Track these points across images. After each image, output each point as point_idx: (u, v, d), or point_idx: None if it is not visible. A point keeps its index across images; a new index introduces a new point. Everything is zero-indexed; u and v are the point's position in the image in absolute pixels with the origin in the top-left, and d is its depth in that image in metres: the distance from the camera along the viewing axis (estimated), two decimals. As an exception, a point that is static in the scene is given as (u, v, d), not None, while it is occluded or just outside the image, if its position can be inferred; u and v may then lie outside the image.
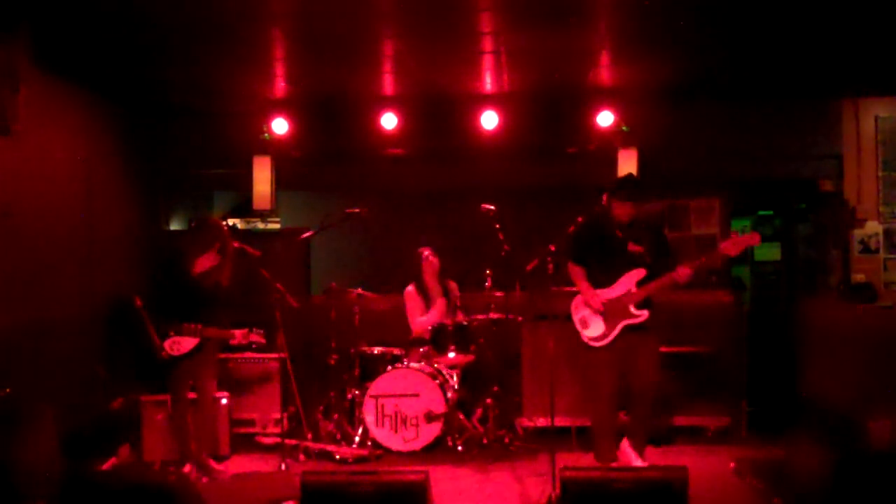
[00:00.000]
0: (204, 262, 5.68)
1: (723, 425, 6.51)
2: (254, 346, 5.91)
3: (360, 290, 6.61)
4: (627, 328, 5.31)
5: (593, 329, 5.40)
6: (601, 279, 5.43)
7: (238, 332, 5.71)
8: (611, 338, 5.34)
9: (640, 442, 5.43)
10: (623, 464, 5.35)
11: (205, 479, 5.61)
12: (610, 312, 5.34)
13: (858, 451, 4.45)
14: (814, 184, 8.11)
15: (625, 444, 5.44)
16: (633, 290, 5.30)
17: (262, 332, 5.86)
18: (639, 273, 5.31)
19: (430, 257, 6.87)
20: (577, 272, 5.54)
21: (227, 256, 5.74)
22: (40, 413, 4.78)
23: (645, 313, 5.28)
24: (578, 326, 5.48)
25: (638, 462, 5.35)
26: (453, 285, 6.96)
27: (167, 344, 5.58)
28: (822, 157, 7.87)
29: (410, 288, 6.95)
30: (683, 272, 5.13)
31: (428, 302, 6.89)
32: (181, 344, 5.59)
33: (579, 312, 5.50)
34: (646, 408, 5.37)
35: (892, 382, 5.51)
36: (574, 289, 5.60)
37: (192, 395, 5.76)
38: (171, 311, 5.59)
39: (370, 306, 6.88)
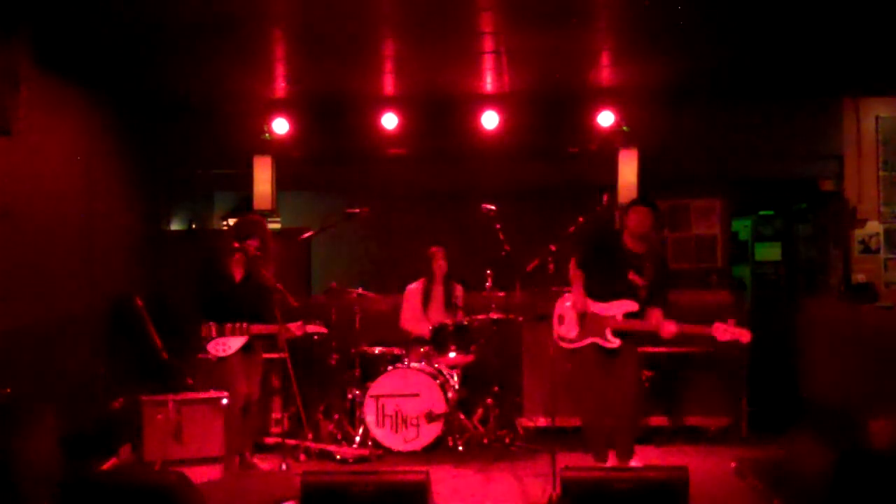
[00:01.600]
0: (247, 253, 5.71)
1: (723, 425, 6.51)
2: (315, 337, 6.00)
3: (360, 290, 6.60)
4: (595, 346, 5.40)
5: (567, 329, 5.54)
6: (596, 292, 5.48)
7: (293, 326, 5.77)
8: (576, 346, 5.49)
9: (624, 450, 5.43)
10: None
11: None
12: (587, 324, 5.43)
13: (858, 450, 4.44)
14: (814, 184, 8.11)
15: (612, 457, 5.47)
16: (618, 318, 5.36)
17: (320, 322, 5.93)
18: (630, 305, 5.36)
19: (441, 261, 6.85)
20: (576, 275, 5.59)
21: (269, 251, 5.80)
22: (41, 413, 4.77)
23: (617, 342, 5.36)
24: (555, 322, 5.61)
25: (635, 463, 5.36)
26: (459, 290, 6.90)
27: (211, 346, 5.62)
28: (822, 157, 7.87)
29: (416, 285, 6.92)
30: (668, 328, 5.24)
31: (427, 304, 6.87)
32: (227, 343, 5.64)
33: (560, 309, 5.61)
34: (626, 413, 5.41)
35: (892, 382, 5.51)
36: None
37: (209, 394, 5.77)
38: (215, 313, 5.63)
39: (371, 306, 6.86)
